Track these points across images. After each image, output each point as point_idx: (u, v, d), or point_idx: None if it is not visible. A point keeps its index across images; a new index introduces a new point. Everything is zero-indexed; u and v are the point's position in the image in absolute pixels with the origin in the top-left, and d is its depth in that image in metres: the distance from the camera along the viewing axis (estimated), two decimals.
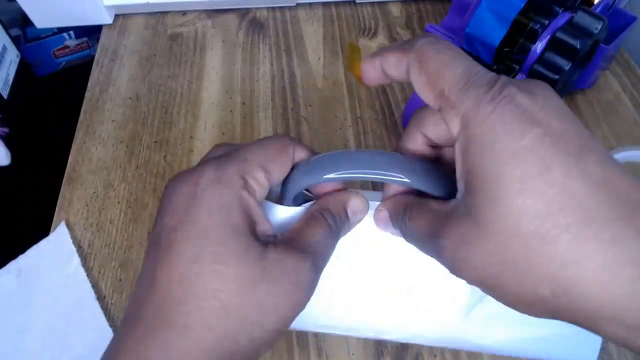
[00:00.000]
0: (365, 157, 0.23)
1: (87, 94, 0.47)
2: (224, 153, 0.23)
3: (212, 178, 0.20)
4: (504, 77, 0.18)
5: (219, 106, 0.46)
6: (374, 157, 0.23)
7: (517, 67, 0.38)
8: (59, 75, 0.50)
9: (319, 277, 0.22)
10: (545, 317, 0.17)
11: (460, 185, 0.19)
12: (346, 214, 0.24)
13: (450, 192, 0.21)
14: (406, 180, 0.22)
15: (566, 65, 0.36)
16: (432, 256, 0.20)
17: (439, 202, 0.21)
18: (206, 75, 0.48)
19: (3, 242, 0.40)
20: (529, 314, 0.17)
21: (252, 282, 0.20)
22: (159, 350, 0.19)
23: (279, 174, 0.23)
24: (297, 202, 0.25)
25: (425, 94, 0.19)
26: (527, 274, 0.16)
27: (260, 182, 0.22)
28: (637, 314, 0.15)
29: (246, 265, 0.20)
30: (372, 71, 0.22)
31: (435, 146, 0.23)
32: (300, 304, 0.21)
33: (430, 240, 0.20)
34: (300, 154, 0.24)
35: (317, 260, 0.22)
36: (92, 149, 0.43)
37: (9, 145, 0.43)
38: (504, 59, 0.38)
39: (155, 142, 0.44)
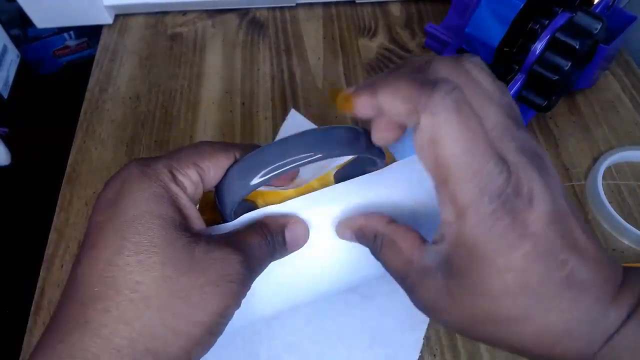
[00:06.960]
0: (294, 143, 0.21)
1: (87, 94, 0.47)
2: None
3: (137, 173, 0.20)
4: (512, 183, 0.17)
5: (219, 106, 0.46)
6: (303, 139, 0.21)
7: (517, 67, 0.38)
8: (59, 75, 0.50)
9: (251, 278, 0.21)
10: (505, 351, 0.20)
11: (441, 248, 0.19)
12: (284, 238, 0.23)
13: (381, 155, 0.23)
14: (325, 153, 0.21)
15: (566, 65, 0.36)
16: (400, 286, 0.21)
17: (411, 241, 0.21)
18: (206, 75, 0.48)
19: (3, 242, 0.40)
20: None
21: (176, 270, 0.18)
22: (67, 355, 0.17)
23: (214, 173, 0.22)
24: (238, 214, 0.24)
25: (427, 165, 0.18)
26: (502, 329, 0.18)
27: (192, 178, 0.21)
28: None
29: (172, 253, 0.18)
30: (365, 107, 0.19)
31: None
32: (231, 299, 0.20)
33: (405, 283, 0.20)
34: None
35: (250, 260, 0.21)
36: (92, 149, 0.43)
37: (9, 145, 0.43)
38: (504, 59, 0.38)
39: (155, 142, 0.44)
